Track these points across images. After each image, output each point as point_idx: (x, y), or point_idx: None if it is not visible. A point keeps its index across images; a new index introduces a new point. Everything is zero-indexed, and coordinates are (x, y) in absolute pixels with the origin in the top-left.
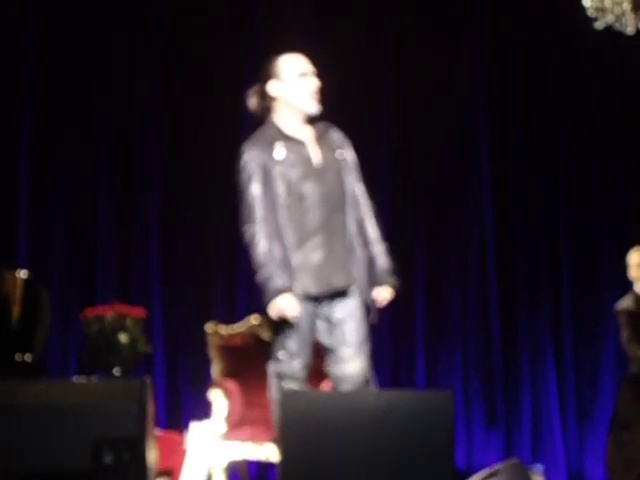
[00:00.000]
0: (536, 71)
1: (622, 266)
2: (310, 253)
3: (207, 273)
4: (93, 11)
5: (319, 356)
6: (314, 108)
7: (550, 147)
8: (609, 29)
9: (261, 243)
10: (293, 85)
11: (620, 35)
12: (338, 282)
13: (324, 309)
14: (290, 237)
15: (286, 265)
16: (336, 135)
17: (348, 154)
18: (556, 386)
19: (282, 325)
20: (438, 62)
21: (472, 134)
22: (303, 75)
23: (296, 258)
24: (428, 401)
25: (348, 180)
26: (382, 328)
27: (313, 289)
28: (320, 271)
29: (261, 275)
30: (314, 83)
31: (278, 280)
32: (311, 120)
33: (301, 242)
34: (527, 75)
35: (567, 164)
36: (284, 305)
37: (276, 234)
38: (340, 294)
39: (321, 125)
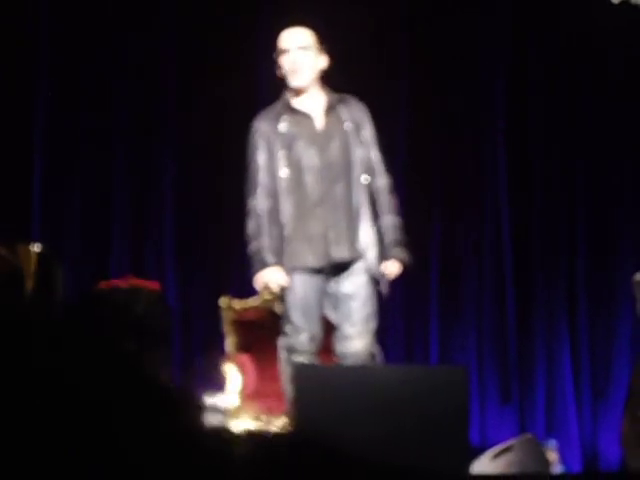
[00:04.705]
0: (554, 45)
1: (638, 242)
2: (311, 225)
3: (221, 247)
4: None
5: (330, 332)
6: (292, 82)
7: (566, 122)
8: (626, 3)
9: (256, 217)
10: (280, 63)
11: (636, 9)
12: (339, 254)
13: (331, 284)
14: (290, 210)
15: (278, 242)
16: (354, 106)
17: (366, 126)
18: (570, 363)
19: (287, 299)
20: (455, 36)
21: (488, 111)
22: (283, 52)
23: (296, 230)
24: (442, 376)
25: (356, 151)
26: (396, 306)
27: (312, 262)
28: (320, 243)
29: (251, 248)
30: (288, 59)
31: (266, 255)
32: (328, 92)
33: (302, 214)
34: (545, 48)
35: (584, 137)
36: (269, 277)
37: (274, 208)
38: (347, 269)
39: (336, 97)
